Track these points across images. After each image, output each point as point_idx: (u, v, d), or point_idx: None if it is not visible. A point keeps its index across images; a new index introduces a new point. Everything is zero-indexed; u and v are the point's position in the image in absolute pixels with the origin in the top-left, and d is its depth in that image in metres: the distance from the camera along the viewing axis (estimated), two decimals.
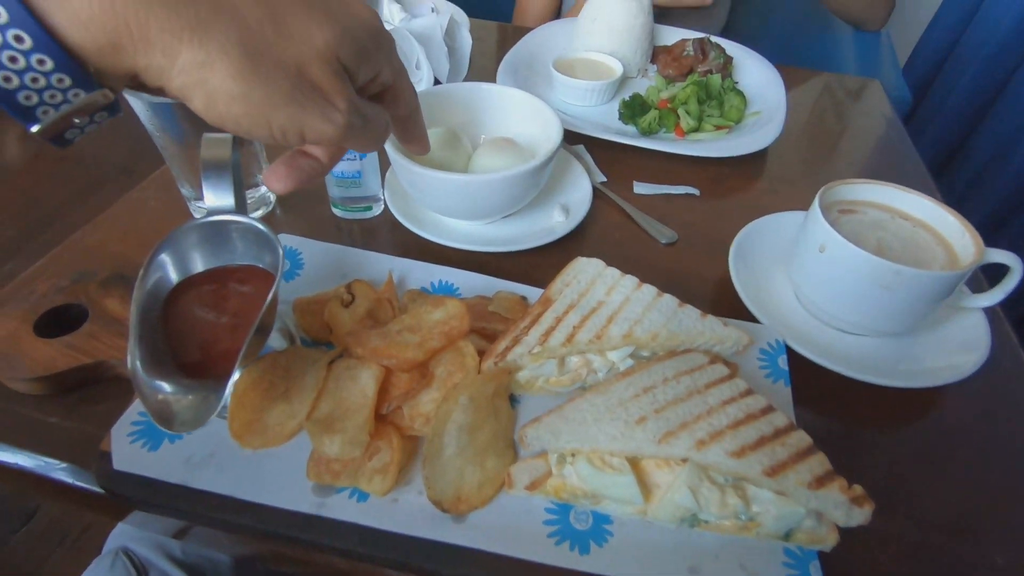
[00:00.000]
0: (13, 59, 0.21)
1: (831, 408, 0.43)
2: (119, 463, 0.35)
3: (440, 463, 0.34)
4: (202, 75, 0.24)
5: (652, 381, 0.35)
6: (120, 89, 0.25)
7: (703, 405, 0.34)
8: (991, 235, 0.45)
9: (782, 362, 0.43)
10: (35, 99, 0.23)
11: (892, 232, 0.46)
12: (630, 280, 0.42)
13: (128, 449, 0.36)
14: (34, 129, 0.23)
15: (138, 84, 0.25)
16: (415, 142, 0.38)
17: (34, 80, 0.22)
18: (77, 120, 0.24)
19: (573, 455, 0.33)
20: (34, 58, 0.21)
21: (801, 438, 0.32)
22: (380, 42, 0.29)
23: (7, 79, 0.22)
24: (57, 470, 0.38)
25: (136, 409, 0.38)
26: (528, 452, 0.35)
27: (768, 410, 0.34)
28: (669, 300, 0.40)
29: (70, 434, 0.39)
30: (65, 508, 1.19)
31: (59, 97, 0.23)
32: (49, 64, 0.22)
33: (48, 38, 0.21)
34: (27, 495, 1.05)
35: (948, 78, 1.70)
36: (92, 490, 0.38)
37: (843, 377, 0.43)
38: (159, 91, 0.26)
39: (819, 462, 0.31)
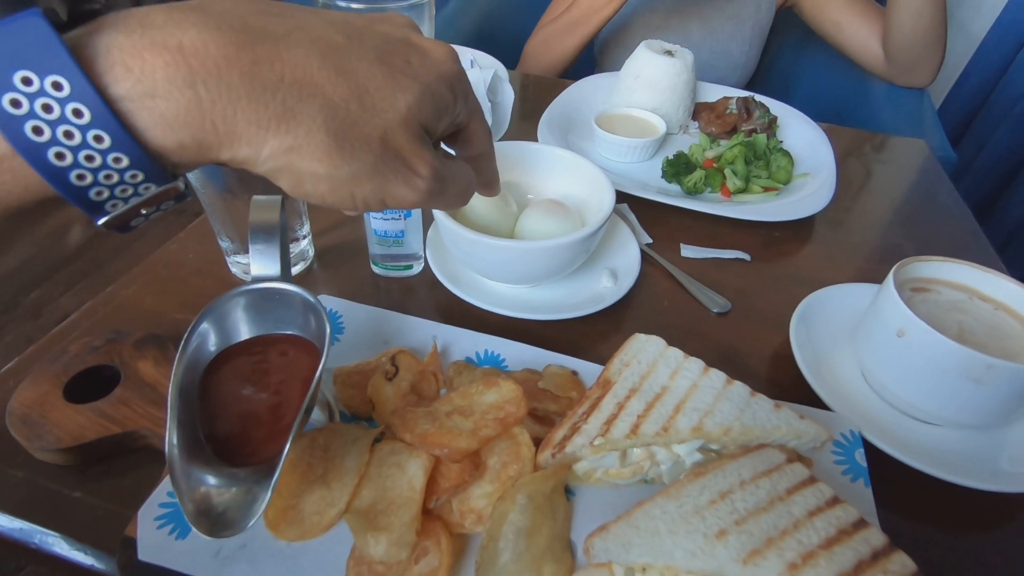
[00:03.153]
0: (90, 158, 0.20)
1: (914, 510, 0.39)
2: (144, 553, 0.32)
3: (495, 571, 0.31)
4: (288, 159, 0.23)
5: (729, 484, 0.32)
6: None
7: (788, 516, 0.30)
8: None
9: (859, 457, 0.39)
10: (106, 194, 0.22)
11: (973, 315, 0.43)
12: (695, 363, 0.39)
13: (154, 536, 0.33)
14: (101, 222, 0.22)
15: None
16: (485, 185, 0.36)
17: (107, 177, 0.21)
18: (144, 211, 0.23)
19: (644, 570, 0.30)
20: (111, 157, 0.20)
21: (904, 563, 0.29)
22: (457, 88, 0.28)
23: (81, 177, 0.21)
24: (77, 552, 0.36)
25: (165, 489, 0.35)
26: (593, 562, 0.32)
27: (860, 525, 0.30)
28: (740, 388, 0.37)
29: (94, 511, 0.37)
30: None
31: (129, 191, 0.22)
32: (125, 162, 0.21)
33: (129, 139, 0.20)
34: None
35: (979, 135, 1.68)
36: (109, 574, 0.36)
37: (921, 473, 0.39)
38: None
39: None
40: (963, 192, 1.80)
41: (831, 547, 0.29)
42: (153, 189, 0.22)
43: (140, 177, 0.21)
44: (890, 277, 0.43)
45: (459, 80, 0.28)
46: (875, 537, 0.30)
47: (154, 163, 0.21)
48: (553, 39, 1.00)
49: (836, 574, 0.27)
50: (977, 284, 0.45)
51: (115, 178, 0.21)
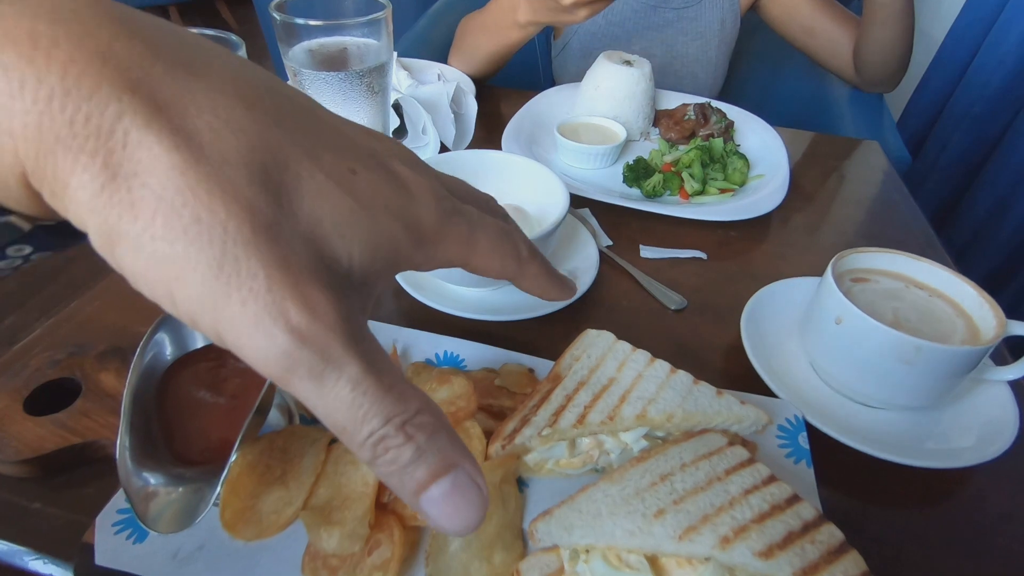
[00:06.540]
0: None
1: (851, 488, 0.41)
2: (101, 558, 0.33)
3: (444, 559, 0.32)
4: (97, 205, 0.15)
5: (669, 467, 0.33)
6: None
7: (724, 495, 0.32)
8: (992, 295, 0.44)
9: (802, 440, 0.41)
10: None
11: (908, 302, 0.45)
12: (642, 355, 0.40)
13: (112, 541, 0.34)
14: None
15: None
16: (542, 294, 0.26)
17: None
18: None
19: (587, 551, 0.31)
20: None
21: (832, 533, 0.30)
22: (425, 236, 0.20)
23: None
24: (35, 561, 0.36)
25: (123, 496, 0.36)
26: (538, 546, 0.33)
27: (794, 500, 0.32)
28: (683, 377, 0.39)
29: (52, 521, 0.37)
30: None
31: None
32: None
33: None
34: None
35: (941, 136, 1.73)
36: None
37: (866, 455, 0.41)
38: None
39: (854, 562, 0.29)
40: (927, 193, 1.84)
41: (763, 521, 0.30)
42: None
43: None
44: (829, 268, 0.45)
45: (436, 225, 0.20)
46: (806, 511, 0.31)
47: None
48: (468, 34, 0.93)
49: (766, 545, 0.29)
50: (912, 272, 0.47)
51: None
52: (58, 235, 0.18)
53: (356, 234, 0.17)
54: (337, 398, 0.16)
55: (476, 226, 0.22)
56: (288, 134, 0.17)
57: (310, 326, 0.15)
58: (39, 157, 0.14)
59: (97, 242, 0.15)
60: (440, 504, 0.17)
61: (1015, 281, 1.55)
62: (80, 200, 0.15)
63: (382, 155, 0.20)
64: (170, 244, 0.15)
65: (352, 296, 0.17)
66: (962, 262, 1.62)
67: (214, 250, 0.15)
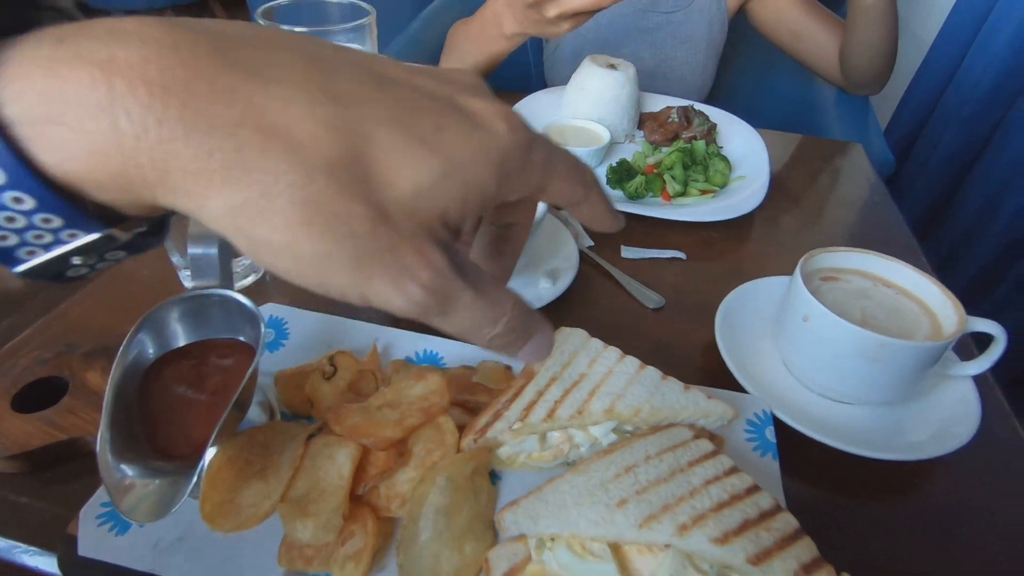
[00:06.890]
0: None
1: (821, 481, 0.42)
2: (84, 548, 0.34)
3: (415, 549, 0.33)
4: (237, 222, 0.18)
5: (634, 459, 0.34)
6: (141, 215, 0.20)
7: (686, 485, 0.33)
8: (978, 298, 0.45)
9: (769, 434, 0.42)
10: (13, 240, 0.18)
11: (876, 301, 0.46)
12: (613, 352, 0.41)
13: (95, 533, 0.35)
14: (18, 270, 0.19)
15: None
16: (597, 221, 0.27)
17: (9, 220, 0.18)
18: (77, 260, 0.20)
19: (553, 540, 0.32)
20: (8, 195, 0.17)
21: (787, 521, 0.31)
22: (510, 168, 0.21)
23: None
24: (22, 554, 0.37)
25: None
26: (506, 536, 0.34)
27: (753, 490, 0.33)
28: (652, 373, 0.40)
29: (39, 515, 0.38)
30: None
31: (48, 238, 0.18)
32: (29, 202, 0.17)
33: (26, 174, 0.17)
34: None
35: (930, 138, 1.74)
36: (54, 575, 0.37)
37: (832, 448, 0.42)
38: None
39: (806, 548, 0.30)
40: (917, 193, 1.85)
41: (721, 510, 0.31)
42: (82, 236, 0.19)
43: (57, 222, 0.18)
44: (798, 267, 0.46)
45: (518, 157, 0.21)
46: (764, 500, 0.32)
47: (69, 205, 0.18)
48: (457, 43, 0.93)
49: (722, 532, 0.30)
50: (881, 271, 0.48)
51: (20, 221, 0.18)
52: (147, 238, 0.22)
53: (447, 193, 0.20)
54: (460, 323, 0.22)
55: (552, 151, 0.23)
56: (371, 112, 0.19)
57: (434, 279, 0.20)
58: (166, 183, 0.18)
59: (240, 245, 0.19)
60: (528, 354, 0.25)
61: (1005, 281, 1.56)
62: (218, 217, 0.18)
63: (454, 97, 0.21)
64: (310, 248, 0.18)
65: (451, 240, 0.21)
66: (952, 261, 1.62)
67: (347, 247, 0.19)
